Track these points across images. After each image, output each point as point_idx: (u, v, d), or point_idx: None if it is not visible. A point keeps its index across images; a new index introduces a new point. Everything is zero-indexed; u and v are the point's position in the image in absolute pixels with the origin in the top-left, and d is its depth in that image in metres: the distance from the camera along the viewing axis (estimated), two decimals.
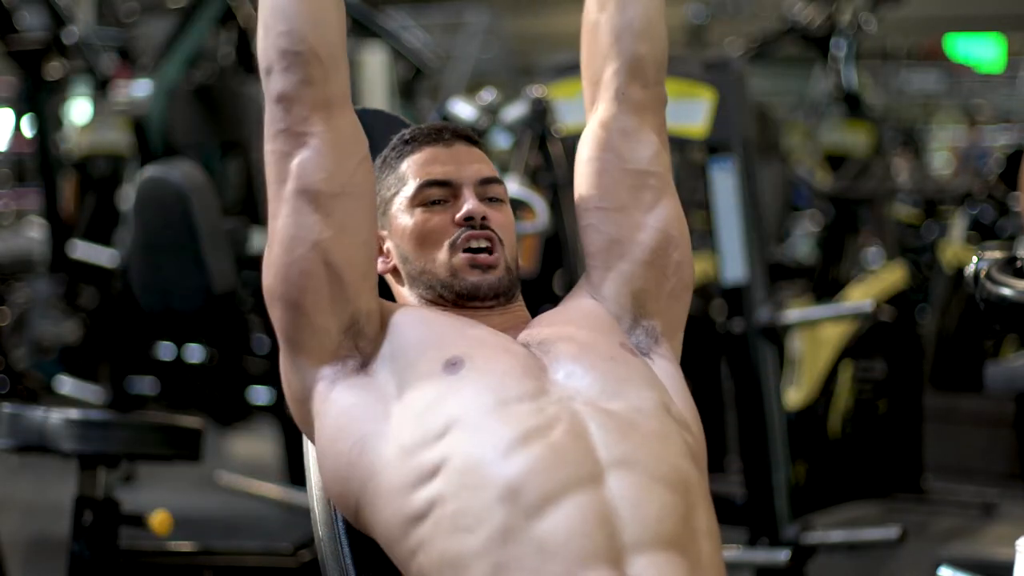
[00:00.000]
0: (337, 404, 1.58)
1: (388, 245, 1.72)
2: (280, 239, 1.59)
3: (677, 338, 1.73)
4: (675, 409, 1.61)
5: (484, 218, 1.67)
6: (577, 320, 1.69)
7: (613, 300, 1.69)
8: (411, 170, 1.71)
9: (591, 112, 1.76)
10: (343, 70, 1.62)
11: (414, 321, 1.62)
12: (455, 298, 1.67)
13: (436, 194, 1.69)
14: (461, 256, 1.66)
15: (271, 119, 1.60)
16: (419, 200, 1.69)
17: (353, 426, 1.56)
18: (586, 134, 1.75)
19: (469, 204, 1.67)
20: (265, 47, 1.60)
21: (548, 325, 1.68)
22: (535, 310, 1.77)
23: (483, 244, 1.67)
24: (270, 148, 1.60)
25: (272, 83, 1.60)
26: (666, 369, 1.67)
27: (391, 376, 1.57)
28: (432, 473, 1.49)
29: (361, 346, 1.59)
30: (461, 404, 1.52)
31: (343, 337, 1.59)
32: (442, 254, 1.67)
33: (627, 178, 1.71)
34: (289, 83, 1.59)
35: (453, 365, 1.55)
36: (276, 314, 1.61)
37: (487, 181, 1.71)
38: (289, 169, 1.59)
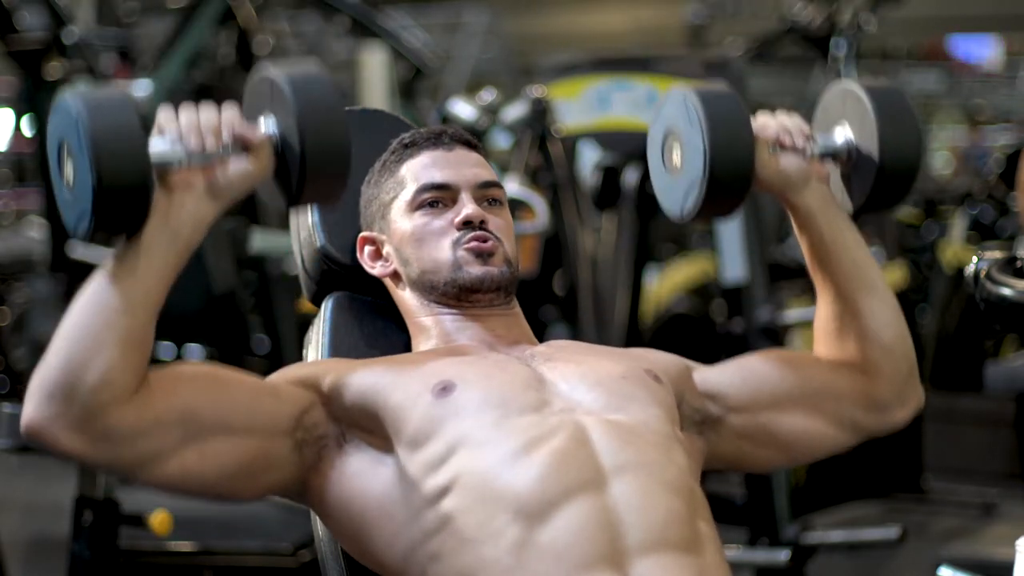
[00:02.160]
0: (337, 482, 1.55)
1: (387, 249, 1.72)
2: (186, 495, 1.52)
3: (706, 464, 1.70)
4: (681, 437, 1.61)
5: (483, 222, 1.67)
6: (601, 350, 1.70)
7: (703, 400, 1.68)
8: (410, 174, 1.71)
9: (820, 365, 1.73)
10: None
11: (381, 370, 1.58)
12: (458, 293, 1.66)
13: (435, 200, 1.69)
14: (463, 250, 1.66)
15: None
16: (418, 204, 1.69)
17: (360, 491, 1.54)
18: (839, 363, 1.72)
19: (468, 208, 1.67)
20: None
21: (563, 348, 1.68)
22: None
23: (483, 245, 1.67)
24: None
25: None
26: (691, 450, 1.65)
27: (379, 424, 1.54)
28: (442, 493, 1.49)
29: (325, 435, 1.55)
30: (463, 423, 1.51)
31: (301, 455, 1.54)
32: (443, 254, 1.67)
33: (829, 406, 1.70)
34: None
35: (444, 389, 1.54)
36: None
37: (486, 185, 1.71)
38: (123, 475, 1.49)
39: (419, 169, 1.70)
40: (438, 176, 1.69)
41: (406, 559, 1.51)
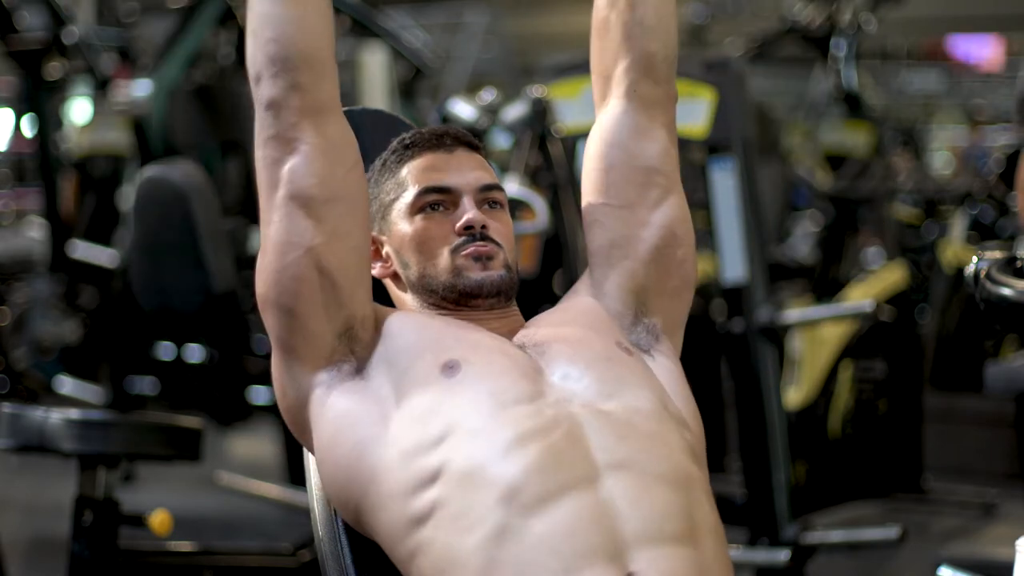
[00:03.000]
0: (334, 409, 1.58)
1: (387, 250, 1.72)
2: (272, 245, 1.59)
3: (678, 335, 1.73)
4: (673, 407, 1.61)
5: (484, 227, 1.67)
6: (573, 320, 1.69)
7: (614, 297, 1.70)
8: (411, 176, 1.71)
9: (600, 108, 1.76)
10: (332, 77, 1.62)
11: (410, 325, 1.62)
12: (457, 298, 1.67)
13: (436, 203, 1.69)
14: (462, 257, 1.66)
15: (261, 125, 1.60)
16: (419, 207, 1.69)
17: (351, 430, 1.56)
18: (595, 130, 1.75)
19: (469, 213, 1.67)
20: (254, 54, 1.60)
21: (544, 326, 1.68)
22: (535, 310, 1.77)
23: (483, 248, 1.67)
24: (260, 154, 1.61)
25: (261, 89, 1.59)
26: (666, 366, 1.67)
27: (387, 380, 1.57)
28: (433, 477, 1.50)
29: (356, 351, 1.60)
30: (460, 408, 1.53)
31: (338, 342, 1.59)
32: (443, 259, 1.67)
33: (635, 175, 1.71)
34: (278, 89, 1.59)
35: (450, 368, 1.55)
36: (270, 320, 1.61)
37: (487, 188, 1.71)
38: (280, 175, 1.59)
39: (420, 171, 1.70)
40: (439, 179, 1.69)
41: (394, 538, 1.52)
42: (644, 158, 1.72)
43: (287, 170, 1.59)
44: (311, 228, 1.58)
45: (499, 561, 1.43)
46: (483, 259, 1.66)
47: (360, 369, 1.59)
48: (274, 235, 1.59)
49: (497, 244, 1.68)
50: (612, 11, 1.74)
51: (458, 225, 1.67)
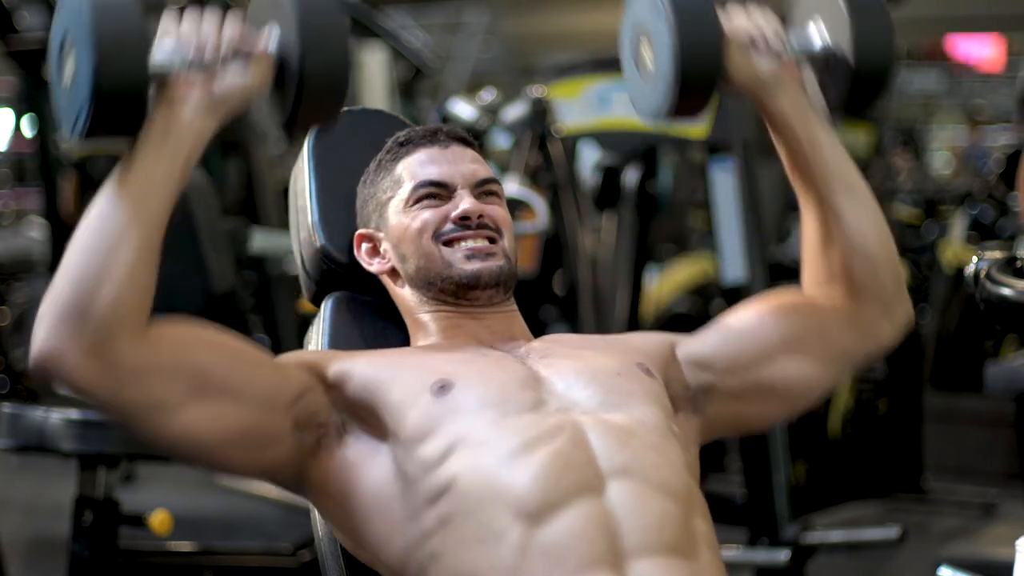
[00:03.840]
0: (335, 474, 1.55)
1: (385, 246, 1.71)
2: (182, 458, 1.53)
3: (708, 436, 1.69)
4: (677, 431, 1.60)
5: (481, 216, 1.66)
6: (596, 341, 1.70)
7: (690, 373, 1.66)
8: (406, 172, 1.70)
9: (820, 286, 1.70)
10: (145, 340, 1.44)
11: (385, 363, 1.59)
12: (456, 289, 1.66)
13: (432, 194, 1.68)
14: (452, 251, 1.65)
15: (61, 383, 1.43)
16: (415, 200, 1.68)
17: (357, 485, 1.54)
18: (817, 294, 1.70)
19: (465, 203, 1.66)
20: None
21: (557, 342, 1.68)
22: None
23: (480, 242, 1.66)
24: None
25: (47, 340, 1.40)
26: (685, 428, 1.65)
27: (378, 419, 1.54)
28: (441, 492, 1.49)
29: (325, 422, 1.55)
30: (461, 422, 1.51)
31: (300, 438, 1.53)
32: (435, 250, 1.66)
33: (814, 342, 1.68)
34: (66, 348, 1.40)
35: (442, 388, 1.53)
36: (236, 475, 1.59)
37: (484, 182, 1.70)
38: (125, 422, 1.47)
39: (415, 167, 1.70)
40: (435, 173, 1.69)
41: (404, 558, 1.51)
42: (832, 340, 1.68)
43: (137, 410, 1.44)
44: (192, 430, 1.46)
45: (508, 570, 1.43)
46: (479, 255, 1.66)
47: (341, 429, 1.55)
48: (174, 454, 1.53)
49: (494, 231, 1.67)
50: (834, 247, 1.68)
51: (454, 214, 1.66)
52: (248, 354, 1.52)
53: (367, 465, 1.54)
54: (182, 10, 1.49)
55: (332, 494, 1.55)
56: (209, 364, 1.47)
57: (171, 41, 1.45)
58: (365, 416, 1.55)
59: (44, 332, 1.39)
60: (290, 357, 1.60)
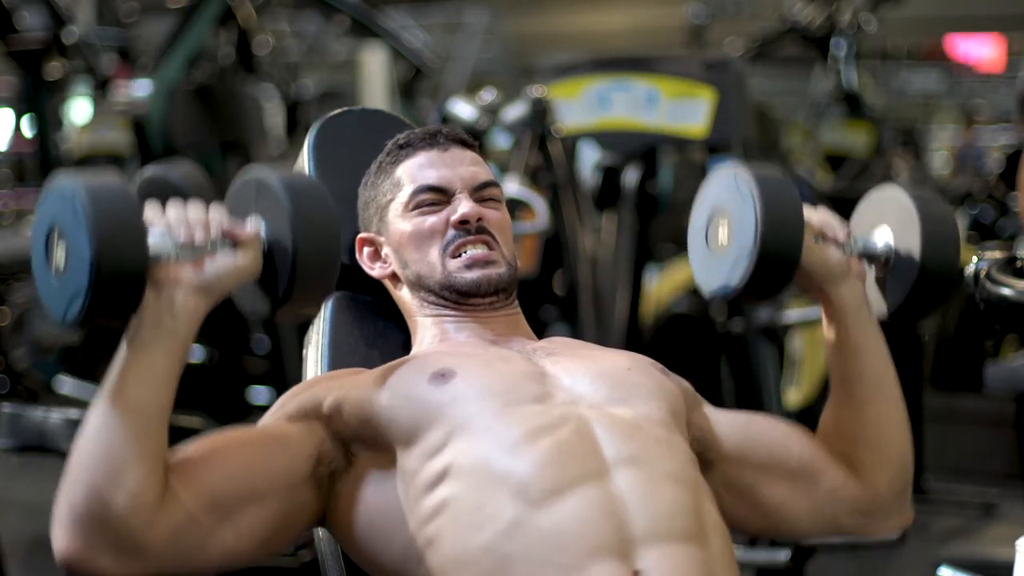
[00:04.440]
0: (348, 501, 1.55)
1: (386, 251, 1.71)
2: (232, 566, 1.51)
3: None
4: (682, 426, 1.60)
5: (480, 220, 1.67)
6: (604, 348, 1.70)
7: (698, 432, 1.65)
8: (406, 175, 1.70)
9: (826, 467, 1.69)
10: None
11: (374, 375, 1.58)
12: (457, 297, 1.66)
13: (431, 200, 1.68)
14: (455, 261, 1.66)
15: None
16: (414, 205, 1.68)
17: (369, 505, 1.54)
18: (823, 448, 1.70)
19: (464, 207, 1.66)
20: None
21: (563, 344, 1.68)
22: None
23: (479, 249, 1.66)
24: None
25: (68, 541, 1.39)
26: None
27: (376, 430, 1.54)
28: (439, 478, 1.48)
29: (335, 459, 1.55)
30: (463, 411, 1.51)
31: (319, 491, 1.54)
32: (435, 256, 1.66)
33: (817, 494, 1.67)
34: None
35: (441, 376, 1.53)
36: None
37: (483, 186, 1.70)
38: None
39: (415, 170, 1.70)
40: (434, 177, 1.69)
41: (404, 551, 1.50)
42: (832, 501, 1.67)
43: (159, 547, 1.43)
44: (229, 550, 1.47)
45: (508, 556, 1.42)
46: (479, 263, 1.66)
47: (349, 456, 1.55)
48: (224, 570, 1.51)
49: (493, 236, 1.67)
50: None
51: (453, 218, 1.66)
52: (255, 450, 1.51)
53: (372, 478, 1.54)
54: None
55: (346, 517, 1.55)
56: (223, 486, 1.46)
57: (159, 226, 1.45)
58: (364, 434, 1.54)
59: (64, 538, 1.39)
60: (286, 411, 1.58)
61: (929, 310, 1.70)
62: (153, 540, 1.40)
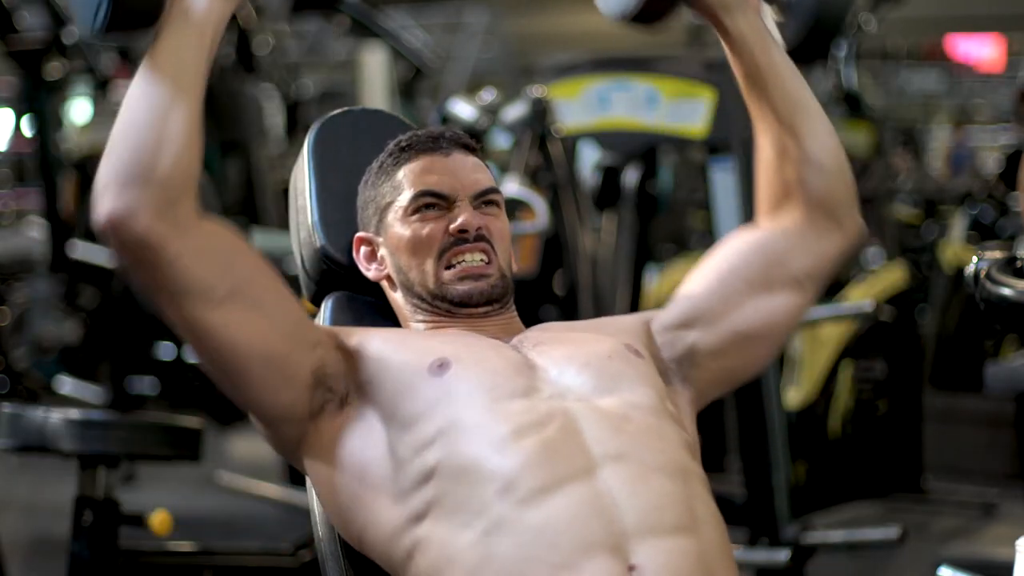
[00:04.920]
0: (327, 446, 1.57)
1: (383, 253, 1.71)
2: (204, 356, 1.54)
3: (703, 402, 1.72)
4: (671, 408, 1.61)
5: (479, 229, 1.67)
6: (584, 326, 1.71)
7: (668, 345, 1.68)
8: (407, 179, 1.70)
9: (773, 211, 1.75)
10: (191, 195, 1.50)
11: (390, 341, 1.61)
12: (448, 306, 1.67)
13: (432, 207, 1.68)
14: (448, 272, 1.66)
15: (114, 249, 1.49)
16: (414, 211, 1.68)
17: (348, 460, 1.56)
18: (766, 225, 1.75)
19: (464, 216, 1.66)
20: (108, 164, 1.48)
21: (548, 330, 1.69)
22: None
23: (477, 258, 1.67)
24: (135, 279, 1.51)
25: (107, 203, 1.46)
26: (683, 407, 1.67)
27: (374, 399, 1.56)
28: (429, 474, 1.50)
29: (334, 387, 1.57)
30: (453, 405, 1.52)
31: (312, 393, 1.56)
32: (430, 264, 1.66)
33: (775, 270, 1.71)
34: (126, 205, 1.46)
35: (440, 367, 1.55)
36: (240, 406, 1.59)
37: (484, 193, 1.70)
38: (168, 299, 1.50)
39: (416, 174, 1.70)
40: (435, 183, 1.68)
41: (390, 540, 1.51)
42: (794, 266, 1.71)
43: (173, 293, 1.49)
44: (229, 330, 1.51)
45: (497, 555, 1.43)
46: (473, 276, 1.66)
47: (344, 401, 1.57)
48: (197, 349, 1.53)
49: (491, 245, 1.67)
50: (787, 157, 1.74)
51: (452, 227, 1.66)
52: (284, 287, 1.56)
53: (362, 440, 1.55)
54: None
55: (326, 463, 1.57)
56: (255, 276, 1.53)
57: None
58: (369, 391, 1.56)
59: (112, 196, 1.45)
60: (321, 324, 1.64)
61: (822, 53, 1.72)
62: (189, 222, 1.47)
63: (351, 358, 1.58)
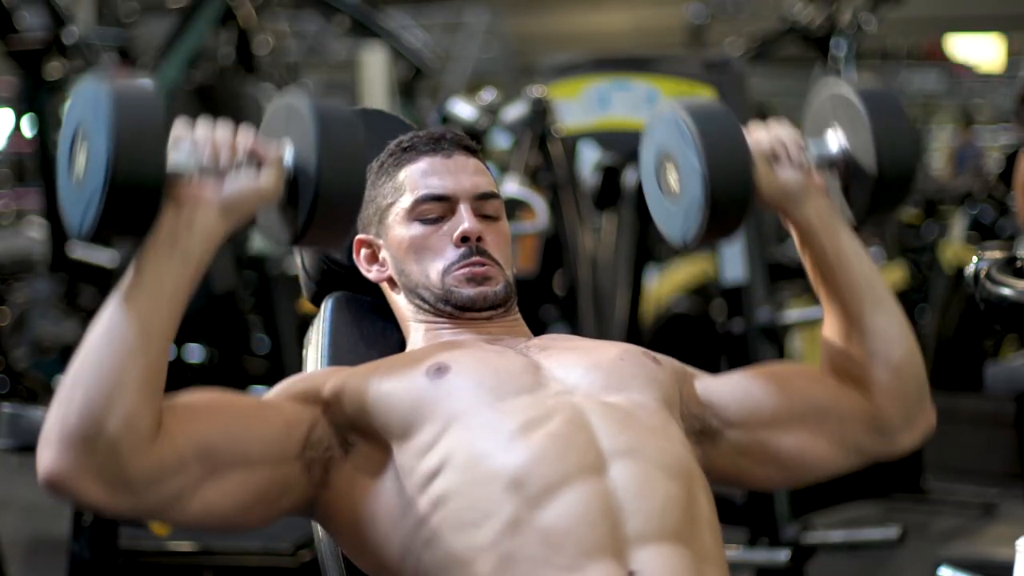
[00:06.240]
0: (344, 492, 1.54)
1: (384, 254, 1.71)
2: (199, 528, 1.50)
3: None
4: (678, 415, 1.60)
5: (479, 239, 1.66)
6: (597, 341, 1.69)
7: (703, 406, 1.64)
8: (409, 181, 1.69)
9: (843, 382, 1.67)
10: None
11: (380, 367, 1.57)
12: (452, 310, 1.66)
13: (433, 210, 1.67)
14: (455, 274, 1.65)
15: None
16: (416, 215, 1.68)
17: (362, 496, 1.53)
18: (823, 374, 1.68)
19: (465, 223, 1.66)
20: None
21: (556, 338, 1.68)
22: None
23: (477, 270, 1.66)
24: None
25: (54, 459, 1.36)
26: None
27: (375, 422, 1.53)
28: (434, 474, 1.48)
29: (329, 445, 1.53)
30: (456, 405, 1.51)
31: (309, 475, 1.52)
32: (436, 273, 1.66)
33: (832, 427, 1.66)
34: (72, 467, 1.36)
35: (438, 371, 1.53)
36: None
37: (484, 196, 1.69)
38: (142, 516, 1.46)
39: (417, 177, 1.69)
40: (437, 186, 1.68)
41: (402, 551, 1.50)
42: (851, 437, 1.66)
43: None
44: (211, 508, 1.44)
45: (509, 555, 1.42)
46: (477, 280, 1.66)
47: (345, 445, 1.54)
48: (192, 527, 1.49)
49: (493, 260, 1.66)
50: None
51: (455, 235, 1.66)
52: (253, 413, 1.50)
53: (369, 472, 1.53)
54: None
55: (338, 513, 1.54)
56: (217, 439, 1.45)
57: (185, 143, 1.44)
58: (362, 425, 1.54)
59: (51, 455, 1.36)
60: (287, 390, 1.57)
61: (895, 206, 1.63)
62: (139, 473, 1.37)
63: (336, 404, 1.54)
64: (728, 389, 1.66)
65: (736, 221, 1.57)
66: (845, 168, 1.64)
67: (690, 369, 1.69)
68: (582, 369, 1.57)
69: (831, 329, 1.68)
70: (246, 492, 1.47)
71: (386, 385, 1.53)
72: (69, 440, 1.35)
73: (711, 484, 1.61)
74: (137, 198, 1.36)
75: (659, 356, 1.64)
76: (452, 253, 1.66)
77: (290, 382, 1.59)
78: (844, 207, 1.66)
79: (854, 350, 1.65)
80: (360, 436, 1.54)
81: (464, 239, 1.65)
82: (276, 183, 1.47)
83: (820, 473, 1.68)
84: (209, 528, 1.48)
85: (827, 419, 1.65)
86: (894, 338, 1.65)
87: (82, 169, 1.38)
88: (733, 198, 1.55)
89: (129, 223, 1.38)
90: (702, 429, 1.63)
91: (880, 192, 1.61)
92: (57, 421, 1.37)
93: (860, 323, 1.64)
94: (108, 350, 1.38)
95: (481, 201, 1.69)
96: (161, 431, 1.40)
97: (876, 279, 1.66)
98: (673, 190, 1.60)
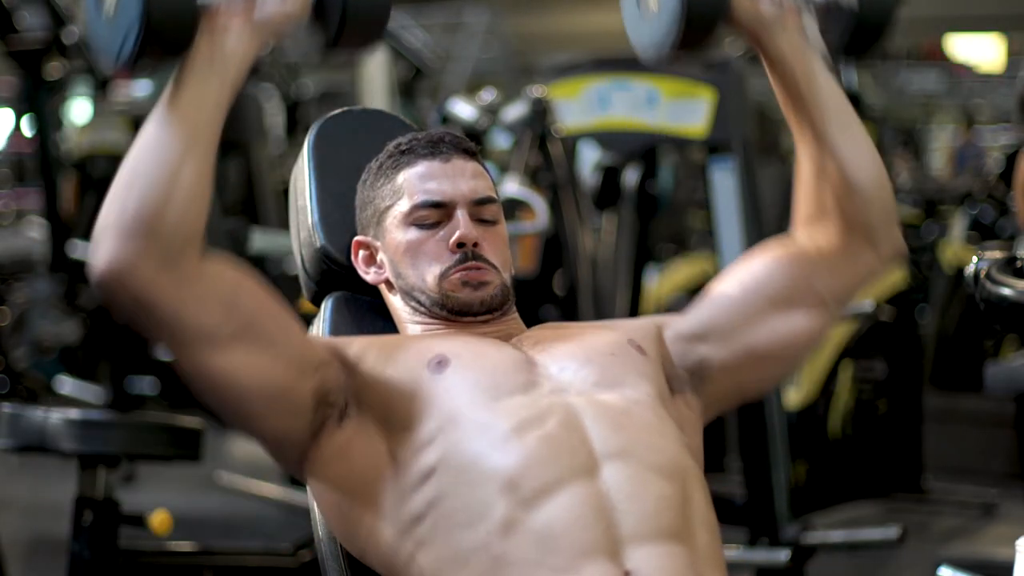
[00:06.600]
0: (330, 460, 1.56)
1: (381, 256, 1.71)
2: (207, 395, 1.52)
3: (711, 413, 1.70)
4: (671, 408, 1.61)
5: (476, 245, 1.66)
6: (585, 325, 1.70)
7: (680, 355, 1.67)
8: (407, 185, 1.69)
9: (808, 224, 1.71)
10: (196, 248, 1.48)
11: (387, 347, 1.60)
12: (447, 314, 1.67)
13: (430, 216, 1.68)
14: (451, 279, 1.66)
15: (118, 301, 1.46)
16: (414, 219, 1.68)
17: (350, 474, 1.55)
18: (800, 240, 1.71)
19: (462, 229, 1.66)
20: (112, 206, 1.45)
21: (547, 328, 1.69)
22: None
23: (473, 274, 1.66)
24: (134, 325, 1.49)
25: (109, 249, 1.43)
26: (689, 415, 1.65)
27: (375, 403, 1.55)
28: (429, 474, 1.49)
29: (335, 402, 1.56)
30: (452, 402, 1.52)
31: (314, 415, 1.55)
32: (432, 278, 1.66)
33: (802, 293, 1.68)
34: (129, 254, 1.43)
35: (439, 364, 1.55)
36: (242, 432, 1.59)
37: (482, 202, 1.69)
38: (170, 346, 1.50)
39: (416, 181, 1.69)
40: (434, 191, 1.68)
41: (393, 545, 1.51)
42: (821, 286, 1.68)
43: (175, 336, 1.48)
44: (232, 368, 1.49)
45: (502, 556, 1.43)
46: (473, 284, 1.66)
47: (343, 413, 1.56)
48: (203, 387, 1.52)
49: (489, 264, 1.67)
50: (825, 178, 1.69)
51: (451, 241, 1.66)
52: (286, 312, 1.55)
53: (362, 450, 1.55)
54: None
55: (327, 479, 1.56)
56: (258, 311, 1.51)
57: None
58: (367, 400, 1.56)
59: (113, 247, 1.42)
60: (319, 338, 1.63)
61: (869, 48, 1.68)
62: (191, 275, 1.44)
63: (351, 369, 1.57)
64: (699, 318, 1.68)
65: (707, 32, 1.61)
66: (825, 8, 1.69)
67: (659, 320, 1.71)
68: (575, 365, 1.58)
69: (804, 162, 1.70)
70: (263, 376, 1.50)
71: (390, 370, 1.56)
72: (130, 231, 1.42)
73: (725, 407, 1.67)
74: (174, 25, 1.45)
75: (642, 343, 1.64)
76: (448, 258, 1.66)
77: (318, 335, 1.64)
78: (820, 44, 1.70)
79: (825, 179, 1.68)
80: (363, 411, 1.56)
81: (460, 245, 1.66)
82: (303, 4, 1.53)
83: (814, 343, 1.70)
84: (217, 394, 1.51)
85: (798, 292, 1.67)
86: (863, 159, 1.68)
87: (112, 6, 1.46)
88: (708, 10, 1.59)
89: (167, 49, 1.48)
90: (691, 372, 1.65)
91: (858, 31, 1.66)
92: (115, 214, 1.43)
93: (830, 147, 1.67)
94: (160, 150, 1.45)
95: (478, 206, 1.69)
96: (216, 267, 1.48)
97: (846, 107, 1.69)
98: (651, 8, 1.63)
